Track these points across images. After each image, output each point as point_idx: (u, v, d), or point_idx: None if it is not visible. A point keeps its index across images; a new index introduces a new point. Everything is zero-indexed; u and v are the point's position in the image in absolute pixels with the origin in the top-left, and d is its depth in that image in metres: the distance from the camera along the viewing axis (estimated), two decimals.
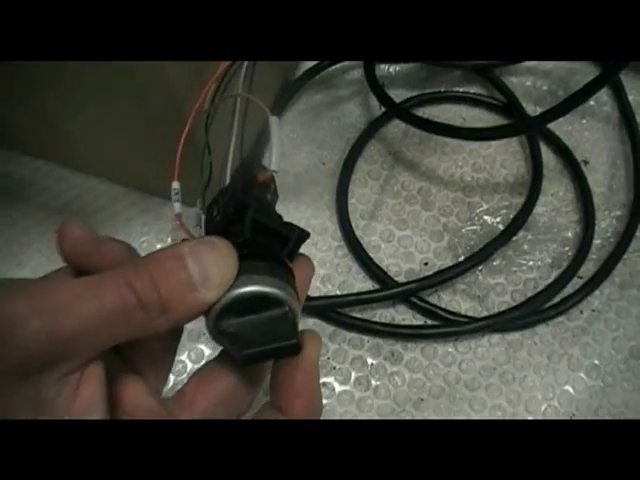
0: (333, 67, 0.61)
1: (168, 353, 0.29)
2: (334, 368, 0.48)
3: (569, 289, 0.51)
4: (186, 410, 0.27)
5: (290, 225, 0.28)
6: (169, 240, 0.53)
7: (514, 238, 0.52)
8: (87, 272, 0.25)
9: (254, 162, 0.31)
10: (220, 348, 0.28)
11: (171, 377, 0.47)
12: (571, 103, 0.44)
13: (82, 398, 0.23)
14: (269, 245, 0.27)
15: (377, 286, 0.51)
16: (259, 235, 0.27)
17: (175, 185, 0.46)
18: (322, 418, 0.45)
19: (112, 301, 0.22)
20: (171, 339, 0.28)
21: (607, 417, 0.46)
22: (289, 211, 0.53)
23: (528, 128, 0.54)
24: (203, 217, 0.47)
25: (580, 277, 0.51)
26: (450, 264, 0.51)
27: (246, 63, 0.46)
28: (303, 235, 0.28)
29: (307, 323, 0.49)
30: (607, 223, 0.54)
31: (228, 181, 0.36)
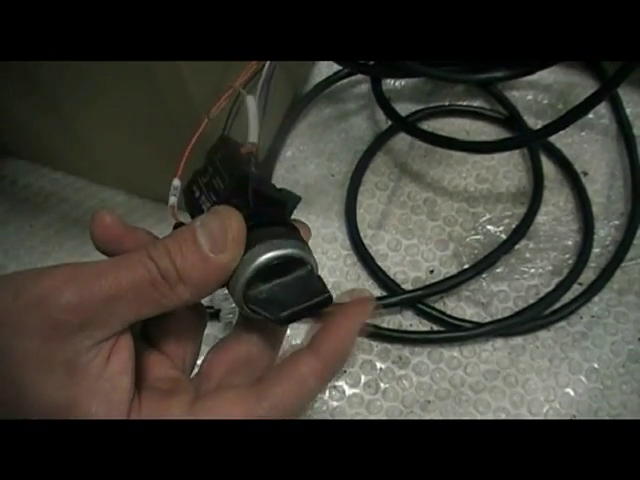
0: (341, 82, 0.63)
1: (194, 338, 0.30)
2: (345, 372, 0.50)
3: (569, 295, 0.52)
4: (205, 380, 0.29)
5: (285, 191, 0.29)
6: None
7: (516, 247, 0.54)
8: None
9: (230, 139, 0.32)
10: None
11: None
12: (571, 117, 0.46)
13: (113, 365, 0.25)
14: (272, 212, 0.28)
15: (385, 293, 0.53)
16: (260, 204, 0.28)
17: (176, 182, 0.46)
18: (332, 419, 0.47)
19: (136, 271, 0.25)
20: (196, 323, 0.30)
21: (606, 418, 0.48)
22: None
23: (530, 141, 0.56)
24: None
25: (580, 284, 0.53)
26: (455, 272, 0.53)
27: (262, 79, 0.48)
28: (297, 198, 0.29)
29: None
30: (606, 232, 0.56)
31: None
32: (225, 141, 0.31)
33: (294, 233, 0.28)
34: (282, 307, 0.26)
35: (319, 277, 0.27)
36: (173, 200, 0.44)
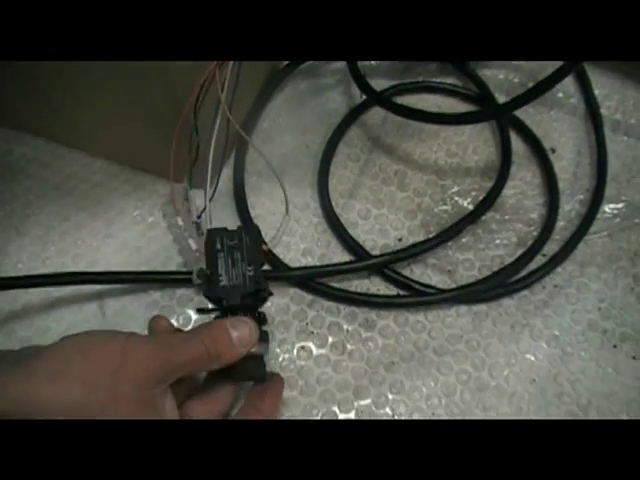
0: None
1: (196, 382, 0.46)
2: (312, 333, 0.51)
3: (533, 266, 0.54)
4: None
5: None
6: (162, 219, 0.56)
7: (483, 218, 0.56)
8: None
9: (260, 232, 0.45)
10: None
11: None
12: (536, 91, 0.48)
13: (170, 404, 0.39)
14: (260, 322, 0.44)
15: (354, 259, 0.54)
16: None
17: (180, 188, 0.51)
18: (301, 378, 0.49)
19: (195, 350, 0.39)
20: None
21: (565, 383, 0.49)
22: (273, 189, 0.56)
23: (496, 114, 0.58)
24: (190, 193, 0.51)
25: (544, 255, 0.55)
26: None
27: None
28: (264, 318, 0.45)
29: (288, 292, 0.52)
30: (571, 206, 0.57)
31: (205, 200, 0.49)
32: (256, 230, 0.45)
33: (265, 338, 0.44)
34: (239, 375, 0.43)
35: (265, 365, 0.44)
36: (193, 244, 0.53)
